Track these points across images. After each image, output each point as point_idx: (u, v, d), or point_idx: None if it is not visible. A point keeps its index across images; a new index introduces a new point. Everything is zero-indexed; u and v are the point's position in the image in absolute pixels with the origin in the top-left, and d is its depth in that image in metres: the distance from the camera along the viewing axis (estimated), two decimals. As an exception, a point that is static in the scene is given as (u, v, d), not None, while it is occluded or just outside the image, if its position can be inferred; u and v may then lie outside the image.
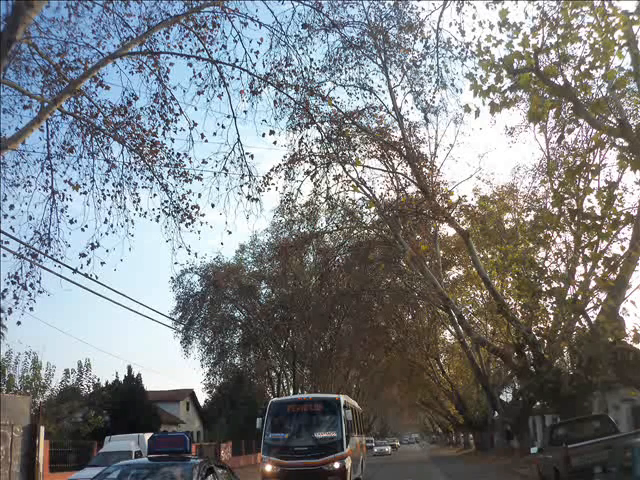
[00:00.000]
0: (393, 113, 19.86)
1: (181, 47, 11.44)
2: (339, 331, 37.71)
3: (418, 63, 18.01)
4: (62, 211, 11.75)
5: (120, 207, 11.96)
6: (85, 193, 11.88)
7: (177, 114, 11.78)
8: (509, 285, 23.66)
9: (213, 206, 12.01)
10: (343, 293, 30.78)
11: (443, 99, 19.32)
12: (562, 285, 15.79)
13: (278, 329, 37.40)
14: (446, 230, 29.34)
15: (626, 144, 9.15)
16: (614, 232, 11.77)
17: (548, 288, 14.33)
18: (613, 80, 9.21)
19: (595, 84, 15.12)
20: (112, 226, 11.76)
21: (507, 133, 23.42)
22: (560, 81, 9.40)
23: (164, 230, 12.11)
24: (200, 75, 11.65)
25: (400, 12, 17.54)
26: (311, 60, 13.13)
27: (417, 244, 23.11)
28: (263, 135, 12.31)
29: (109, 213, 11.88)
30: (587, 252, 11.99)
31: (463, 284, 31.09)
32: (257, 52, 11.62)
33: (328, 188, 20.87)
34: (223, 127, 11.66)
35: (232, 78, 11.65)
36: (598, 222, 10.40)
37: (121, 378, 37.51)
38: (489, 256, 25.59)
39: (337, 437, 16.82)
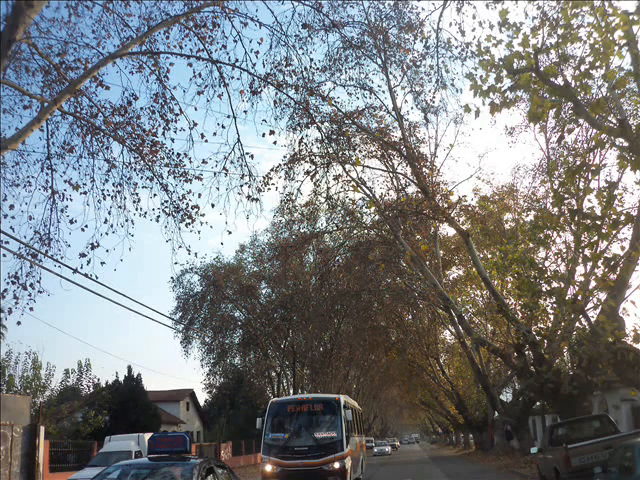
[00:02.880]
0: (393, 113, 19.87)
1: (181, 47, 11.46)
2: (339, 331, 37.71)
3: (418, 63, 18.02)
4: (62, 211, 11.78)
5: (120, 207, 11.99)
6: (85, 193, 11.91)
7: (177, 114, 11.80)
8: (509, 285, 23.70)
9: (213, 206, 12.04)
10: (343, 293, 30.77)
11: (443, 99, 19.43)
12: (562, 285, 15.79)
13: (278, 329, 37.37)
14: (446, 230, 29.42)
15: (626, 144, 9.15)
16: (614, 232, 11.77)
17: (548, 288, 14.32)
18: (613, 80, 9.21)
19: (595, 84, 15.20)
20: (112, 226, 11.79)
21: (507, 133, 23.49)
22: (560, 81, 9.39)
23: (164, 230, 12.14)
24: (200, 75, 11.67)
25: (400, 12, 17.55)
26: (311, 60, 13.16)
27: (417, 244, 23.12)
28: (263, 135, 12.34)
29: (109, 213, 11.91)
30: (587, 252, 11.98)
31: (463, 284, 31.11)
32: (257, 52, 11.63)
33: (328, 188, 20.89)
34: (223, 127, 11.69)
35: (232, 78, 11.68)
36: (598, 222, 10.40)
37: (121, 378, 37.60)
38: (489, 256, 25.64)
39: (337, 437, 16.83)
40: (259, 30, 11.37)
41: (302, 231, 24.43)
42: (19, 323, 11.29)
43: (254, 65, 11.71)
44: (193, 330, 36.61)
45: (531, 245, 18.86)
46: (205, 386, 45.03)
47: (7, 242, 11.33)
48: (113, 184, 12.00)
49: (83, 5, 11.27)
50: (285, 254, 25.85)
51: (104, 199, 11.97)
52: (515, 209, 27.34)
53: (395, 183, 23.00)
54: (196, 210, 12.17)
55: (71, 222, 11.71)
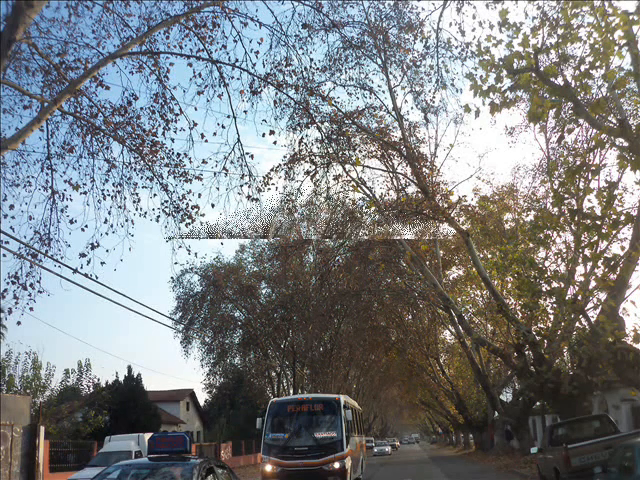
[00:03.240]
0: (393, 113, 19.87)
1: (181, 47, 11.45)
2: (339, 331, 37.71)
3: (418, 63, 18.01)
4: (62, 211, 11.77)
5: (120, 207, 11.97)
6: (85, 193, 11.90)
7: (177, 114, 11.79)
8: (509, 285, 23.69)
9: (213, 206, 12.02)
10: (343, 293, 30.80)
11: (443, 99, 19.37)
12: (562, 285, 15.80)
13: (278, 329, 37.39)
14: (446, 230, 29.37)
15: (626, 144, 9.16)
16: (614, 232, 11.78)
17: (548, 288, 14.33)
18: (613, 80, 9.21)
19: (595, 84, 15.18)
20: (112, 226, 11.77)
21: (507, 133, 23.49)
22: (560, 81, 9.40)
23: (164, 230, 12.13)
24: (200, 75, 11.66)
25: (400, 12, 17.54)
26: (311, 60, 13.15)
27: (417, 244, 23.13)
28: (263, 135, 12.34)
29: (109, 213, 11.89)
30: (587, 252, 11.99)
31: (463, 284, 31.09)
32: (257, 52, 11.62)
33: (328, 188, 20.84)
34: (223, 127, 11.67)
35: (232, 78, 11.67)
36: (598, 222, 10.41)
37: (121, 378, 37.61)
38: (489, 256, 25.63)
39: (337, 437, 16.83)
40: (259, 30, 11.37)
41: (302, 231, 24.42)
42: (19, 323, 11.29)
43: (254, 65, 11.72)
44: (193, 330, 36.62)
45: (531, 245, 18.86)
46: (205, 386, 45.14)
47: (7, 242, 11.34)
48: (113, 184, 12.00)
49: (83, 5, 11.28)
50: (285, 254, 25.89)
51: (104, 199, 11.97)
52: (515, 209, 27.34)
53: (395, 183, 22.99)
54: (196, 210, 12.17)
55: (71, 222, 11.71)
